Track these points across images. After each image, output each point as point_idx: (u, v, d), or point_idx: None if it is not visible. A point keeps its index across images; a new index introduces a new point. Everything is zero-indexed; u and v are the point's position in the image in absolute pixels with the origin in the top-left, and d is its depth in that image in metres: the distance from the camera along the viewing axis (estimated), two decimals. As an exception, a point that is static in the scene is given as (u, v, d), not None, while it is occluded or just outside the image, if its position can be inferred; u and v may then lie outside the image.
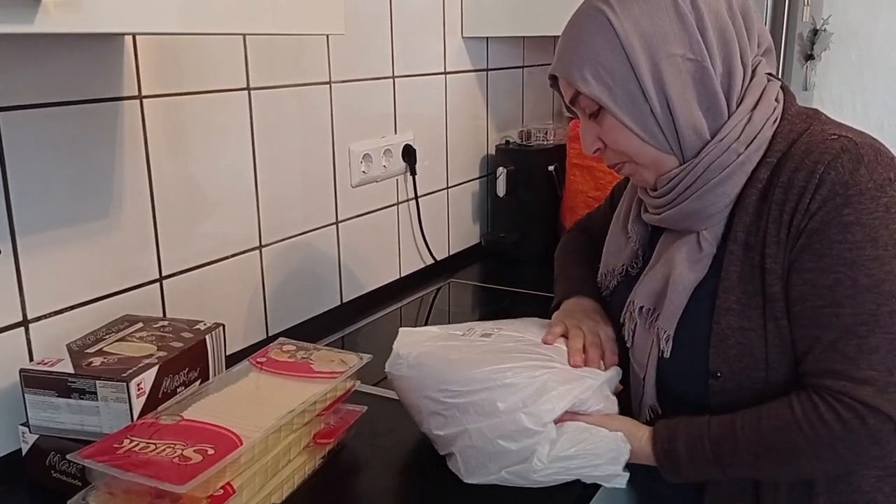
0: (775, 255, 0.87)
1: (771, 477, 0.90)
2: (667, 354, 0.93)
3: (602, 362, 0.99)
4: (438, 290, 1.77)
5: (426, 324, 1.59)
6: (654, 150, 0.93)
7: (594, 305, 1.10)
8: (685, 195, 0.93)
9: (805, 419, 0.84)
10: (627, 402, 1.02)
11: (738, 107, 0.91)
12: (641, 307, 0.98)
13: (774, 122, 0.91)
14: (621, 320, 1.02)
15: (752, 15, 0.93)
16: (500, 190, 1.92)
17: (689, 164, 0.92)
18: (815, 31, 2.24)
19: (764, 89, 0.93)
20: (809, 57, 2.23)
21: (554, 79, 0.99)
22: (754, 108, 0.91)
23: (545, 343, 1.01)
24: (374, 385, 1.19)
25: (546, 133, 1.98)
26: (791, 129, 0.91)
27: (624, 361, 1.02)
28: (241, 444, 0.83)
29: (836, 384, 0.83)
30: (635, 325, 0.99)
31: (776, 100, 0.93)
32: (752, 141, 0.90)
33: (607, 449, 0.90)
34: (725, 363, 0.90)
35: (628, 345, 1.01)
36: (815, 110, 0.94)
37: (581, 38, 0.92)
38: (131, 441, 0.83)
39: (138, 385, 0.92)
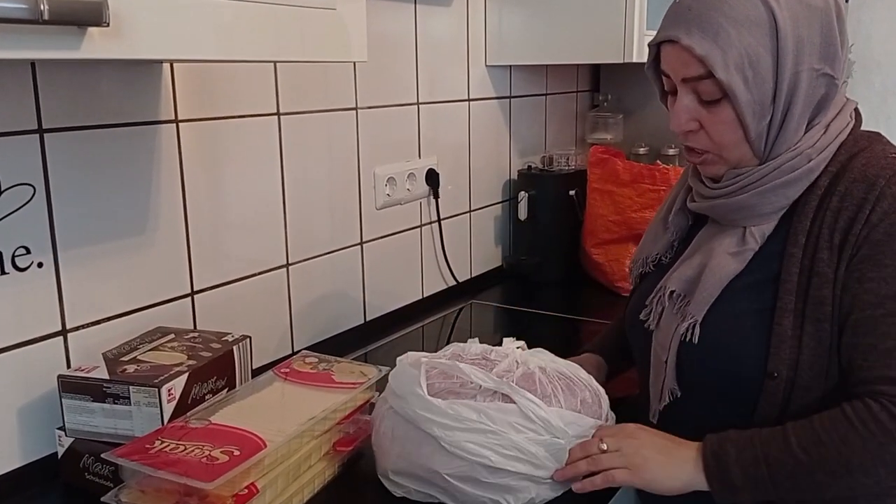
0: (828, 260, 0.89)
1: (825, 488, 0.87)
2: (695, 340, 0.95)
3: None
4: (460, 310, 1.80)
5: (449, 340, 1.60)
6: (748, 148, 0.94)
7: (597, 361, 1.19)
8: (746, 189, 0.94)
9: (858, 419, 0.84)
10: (644, 396, 1.06)
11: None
12: (672, 292, 1.00)
13: (843, 136, 0.94)
14: (647, 302, 1.05)
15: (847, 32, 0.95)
16: (522, 214, 1.97)
17: (765, 163, 0.93)
18: (837, 60, 2.26)
19: (843, 106, 0.96)
20: (832, 85, 2.25)
21: (658, 46, 0.94)
22: (832, 120, 0.94)
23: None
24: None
25: (568, 159, 2.02)
26: (855, 144, 0.94)
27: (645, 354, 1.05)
28: (266, 446, 0.87)
29: (892, 389, 0.83)
30: (663, 308, 1.01)
31: (850, 117, 0.96)
32: (823, 150, 0.92)
33: None
34: (782, 364, 0.90)
35: (652, 327, 1.03)
36: (879, 133, 0.97)
37: (736, 22, 0.86)
38: (162, 442, 0.87)
39: (169, 391, 0.96)
